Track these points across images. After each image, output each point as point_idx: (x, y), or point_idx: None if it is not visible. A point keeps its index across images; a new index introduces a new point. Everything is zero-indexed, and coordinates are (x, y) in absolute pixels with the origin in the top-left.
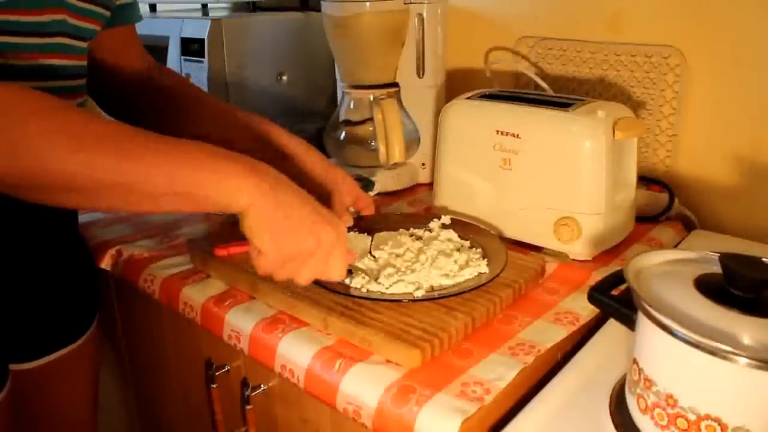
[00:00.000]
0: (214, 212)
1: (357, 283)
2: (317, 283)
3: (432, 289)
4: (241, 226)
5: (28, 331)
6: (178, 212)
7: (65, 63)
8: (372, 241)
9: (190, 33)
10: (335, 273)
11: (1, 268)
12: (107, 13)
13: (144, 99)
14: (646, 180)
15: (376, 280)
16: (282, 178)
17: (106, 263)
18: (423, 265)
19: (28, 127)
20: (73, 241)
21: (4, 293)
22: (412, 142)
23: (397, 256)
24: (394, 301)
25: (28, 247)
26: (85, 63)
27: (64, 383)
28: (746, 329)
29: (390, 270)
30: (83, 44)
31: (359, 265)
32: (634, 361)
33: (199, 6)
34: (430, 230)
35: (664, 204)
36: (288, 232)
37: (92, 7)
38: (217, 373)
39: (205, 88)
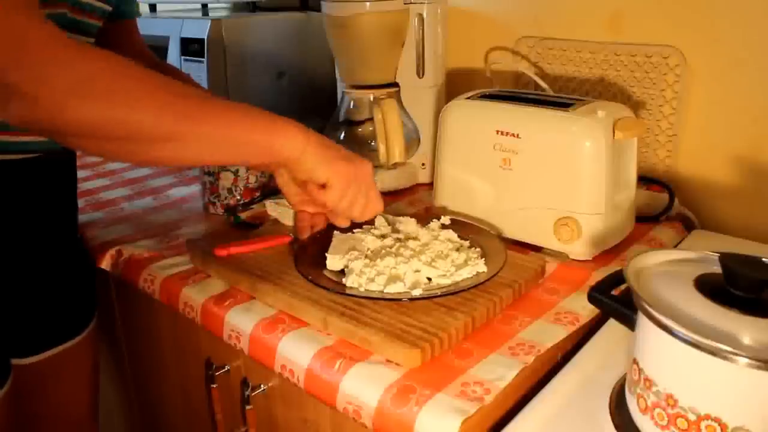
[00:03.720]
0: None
1: (355, 282)
2: (316, 283)
3: (429, 281)
4: (301, 173)
5: (27, 326)
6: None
7: None
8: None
9: (190, 33)
10: (377, 203)
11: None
12: (108, 8)
13: None
14: (646, 180)
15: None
16: (312, 129)
17: (106, 263)
18: (419, 261)
19: (134, 93)
20: (72, 238)
21: (3, 288)
22: (412, 142)
23: (395, 243)
24: (394, 300)
25: (27, 244)
26: None
27: (64, 380)
28: (746, 329)
29: (388, 261)
30: (87, 39)
31: (357, 264)
32: (634, 361)
33: (199, 6)
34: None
35: (664, 204)
36: (341, 160)
37: (93, 2)
38: (217, 373)
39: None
